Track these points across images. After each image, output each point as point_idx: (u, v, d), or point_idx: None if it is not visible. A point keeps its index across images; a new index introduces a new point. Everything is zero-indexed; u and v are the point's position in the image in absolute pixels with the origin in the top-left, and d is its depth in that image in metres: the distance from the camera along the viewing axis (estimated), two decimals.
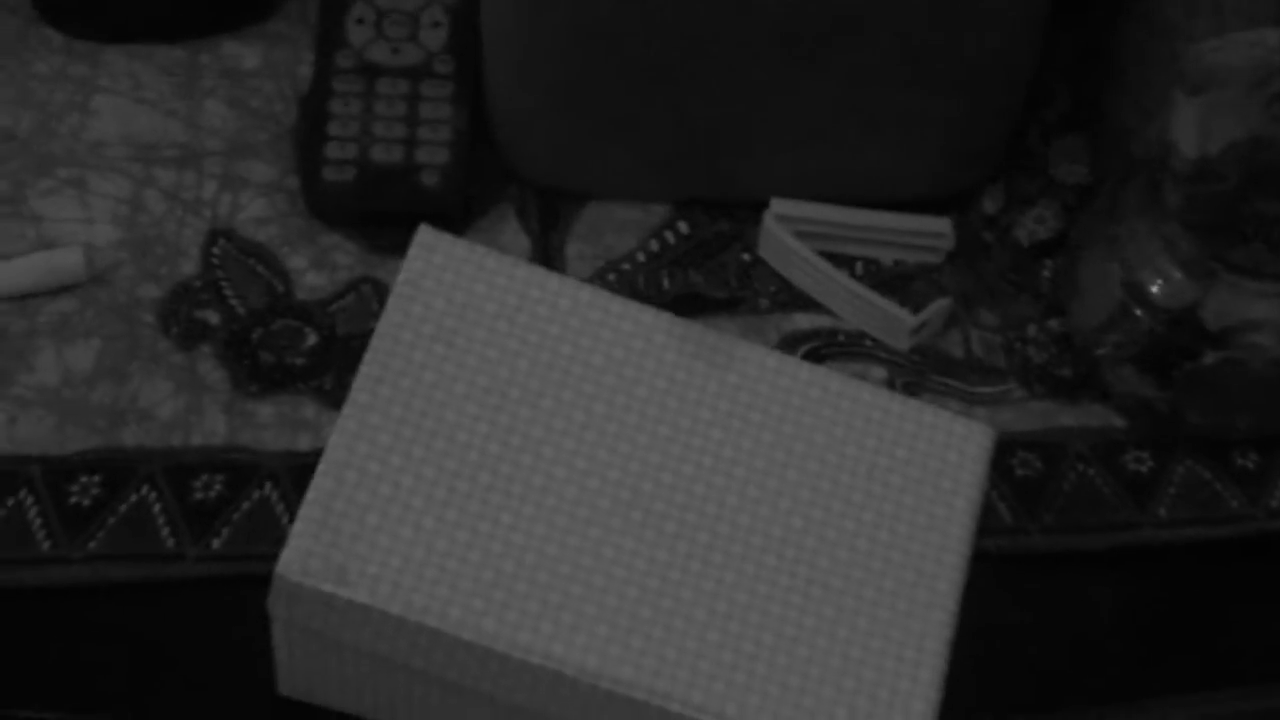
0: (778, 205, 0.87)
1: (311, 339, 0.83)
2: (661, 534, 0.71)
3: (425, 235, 0.75)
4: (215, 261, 0.85)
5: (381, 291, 0.84)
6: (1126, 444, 0.84)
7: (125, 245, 0.84)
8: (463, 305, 0.74)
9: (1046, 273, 0.88)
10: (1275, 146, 0.79)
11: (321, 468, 0.70)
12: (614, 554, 0.70)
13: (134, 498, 0.79)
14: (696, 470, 0.73)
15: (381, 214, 0.85)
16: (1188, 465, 0.84)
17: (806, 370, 0.75)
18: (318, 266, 0.85)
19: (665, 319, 0.75)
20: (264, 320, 0.83)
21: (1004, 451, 0.83)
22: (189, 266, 0.84)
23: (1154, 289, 0.80)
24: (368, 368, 0.72)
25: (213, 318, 0.83)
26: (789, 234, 0.86)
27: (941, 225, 0.87)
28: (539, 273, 0.75)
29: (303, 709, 0.75)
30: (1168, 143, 0.78)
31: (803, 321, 0.86)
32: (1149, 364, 0.81)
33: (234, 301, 0.84)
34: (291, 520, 0.78)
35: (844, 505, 0.73)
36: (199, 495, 0.79)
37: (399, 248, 0.83)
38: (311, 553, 0.68)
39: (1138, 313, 0.81)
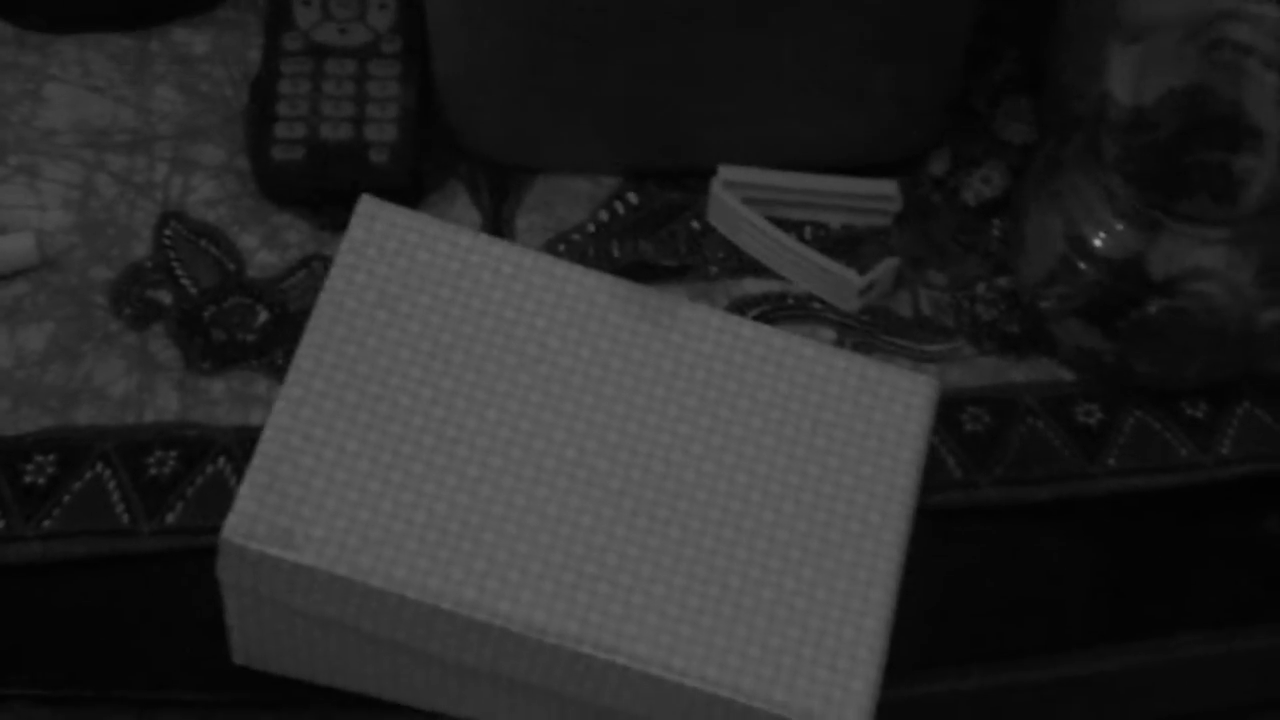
0: (726, 172, 0.87)
1: (263, 316, 0.84)
2: (607, 491, 0.72)
3: (367, 204, 0.76)
4: (167, 243, 0.85)
5: None
6: (1076, 397, 0.84)
7: (77, 229, 0.85)
8: (405, 271, 0.74)
9: (995, 232, 0.88)
10: (1213, 95, 0.79)
11: (267, 433, 0.70)
12: (559, 511, 0.71)
13: (88, 475, 0.79)
14: (641, 428, 0.73)
15: (331, 192, 0.86)
16: (1137, 416, 0.84)
17: (750, 328, 0.76)
18: (269, 245, 0.85)
19: (608, 281, 0.76)
20: (216, 299, 0.84)
21: (953, 407, 0.83)
22: (141, 249, 0.85)
23: (1096, 241, 0.80)
24: (311, 334, 0.73)
25: (165, 298, 0.84)
26: (737, 200, 0.86)
27: (889, 188, 0.88)
28: (481, 238, 0.76)
29: (259, 678, 0.75)
30: (1105, 93, 0.79)
31: (752, 286, 0.86)
32: (1094, 315, 0.81)
33: (186, 281, 0.84)
34: None
35: (789, 459, 0.73)
36: (153, 471, 0.79)
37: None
38: (257, 517, 0.69)
39: (1081, 265, 0.81)
